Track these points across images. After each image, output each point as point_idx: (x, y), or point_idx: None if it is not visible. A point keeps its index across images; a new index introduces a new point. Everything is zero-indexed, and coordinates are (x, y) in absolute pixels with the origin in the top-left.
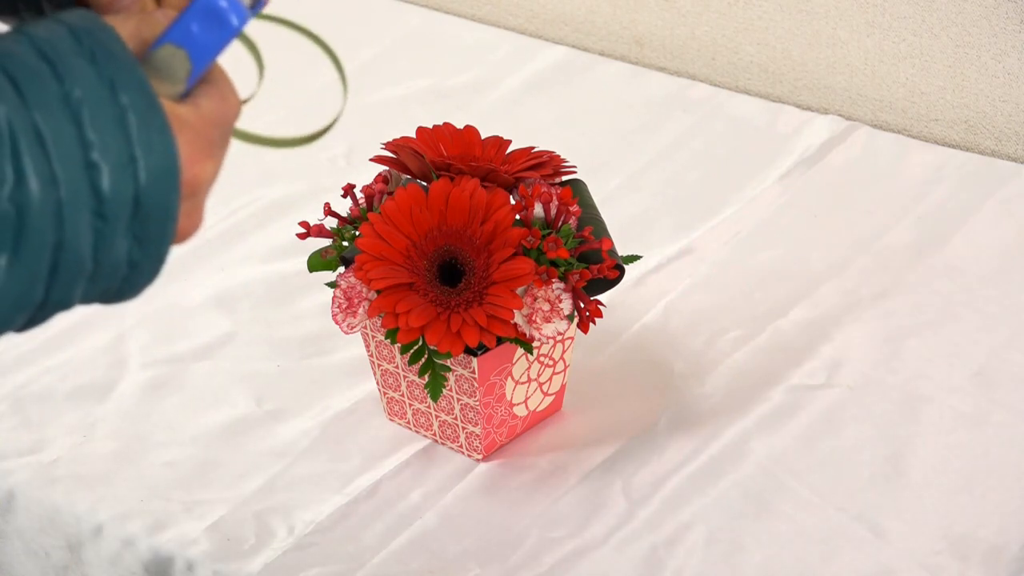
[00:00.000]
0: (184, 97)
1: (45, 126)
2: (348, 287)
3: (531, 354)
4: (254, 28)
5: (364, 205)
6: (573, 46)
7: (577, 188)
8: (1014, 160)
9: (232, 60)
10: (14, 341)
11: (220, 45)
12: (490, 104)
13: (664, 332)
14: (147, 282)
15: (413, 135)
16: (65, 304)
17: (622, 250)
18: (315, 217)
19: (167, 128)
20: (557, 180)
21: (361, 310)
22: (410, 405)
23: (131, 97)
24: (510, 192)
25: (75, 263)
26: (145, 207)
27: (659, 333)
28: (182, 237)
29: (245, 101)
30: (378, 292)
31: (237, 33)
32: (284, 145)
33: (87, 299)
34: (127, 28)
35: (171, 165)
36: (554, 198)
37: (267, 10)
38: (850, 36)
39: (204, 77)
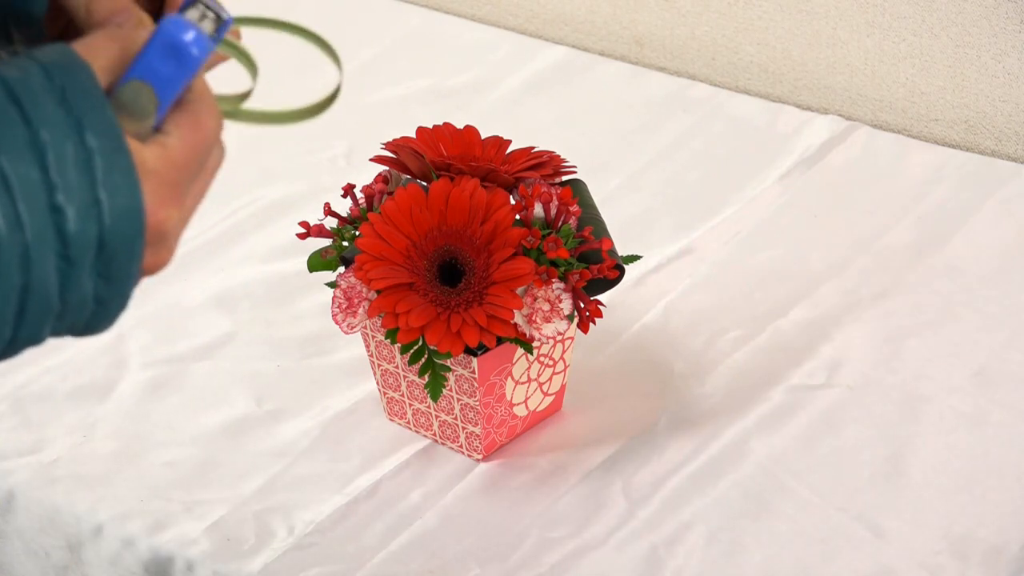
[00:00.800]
0: (156, 129)
1: (10, 170)
2: (348, 287)
3: (531, 354)
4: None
5: (364, 205)
6: (573, 46)
7: (577, 188)
8: (1014, 160)
9: (232, 62)
10: None
11: (184, 76)
12: (490, 104)
13: (664, 332)
14: (115, 316)
15: (413, 135)
16: (34, 341)
17: (622, 250)
18: (315, 217)
19: (132, 171)
20: (557, 180)
21: (361, 310)
22: (410, 405)
23: (98, 139)
24: (510, 192)
25: (42, 304)
26: (109, 248)
27: (659, 333)
28: (148, 273)
29: (241, 99)
30: (378, 292)
31: (200, 63)
32: (287, 120)
33: (57, 334)
34: (112, 52)
35: (136, 207)
36: (554, 198)
37: (245, 11)
38: (850, 36)
39: (182, 98)
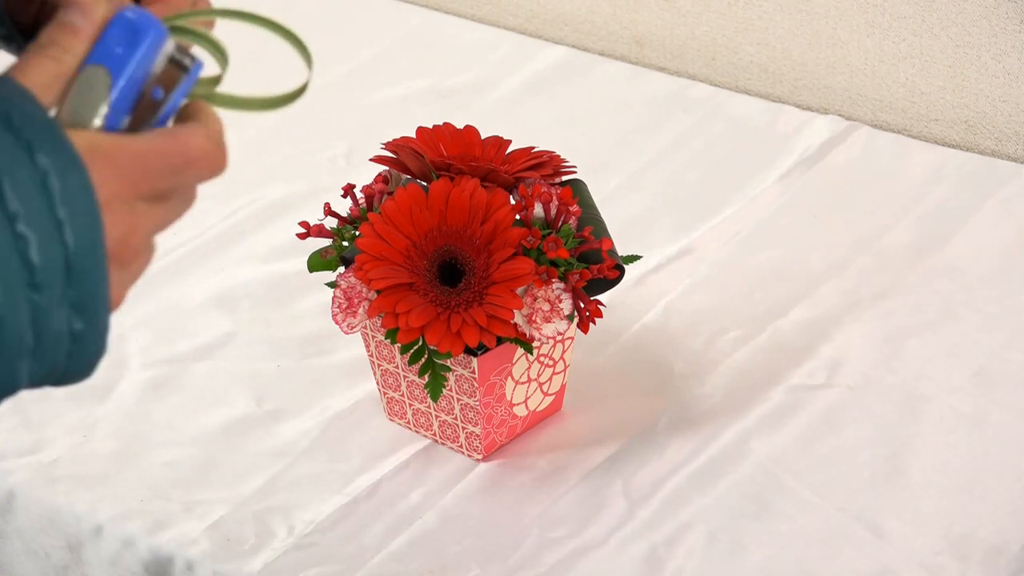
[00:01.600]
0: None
1: None
2: (348, 287)
3: (531, 354)
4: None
5: (364, 205)
6: (573, 46)
7: (577, 188)
8: (1014, 160)
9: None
10: None
11: (133, 54)
12: (490, 104)
13: (664, 332)
14: (94, 356)
15: (413, 135)
16: (11, 385)
17: (622, 250)
18: (315, 217)
19: (88, 187)
20: (557, 180)
21: (361, 310)
22: (410, 405)
23: (50, 157)
24: (510, 192)
25: (15, 339)
26: (77, 269)
27: (659, 333)
28: (114, 260)
29: (213, 83)
30: (378, 292)
31: (146, 39)
32: (257, 107)
33: (35, 379)
34: (46, 69)
35: (95, 222)
36: (554, 198)
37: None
38: (850, 36)
39: (174, 119)
